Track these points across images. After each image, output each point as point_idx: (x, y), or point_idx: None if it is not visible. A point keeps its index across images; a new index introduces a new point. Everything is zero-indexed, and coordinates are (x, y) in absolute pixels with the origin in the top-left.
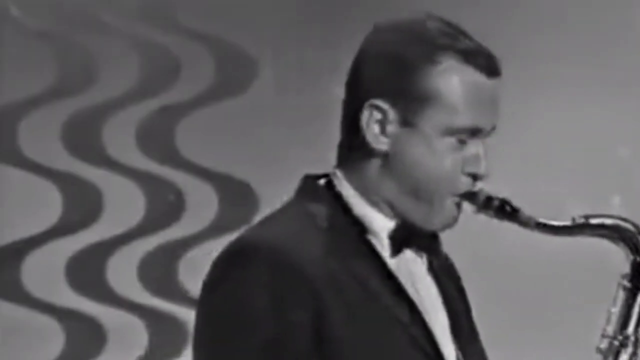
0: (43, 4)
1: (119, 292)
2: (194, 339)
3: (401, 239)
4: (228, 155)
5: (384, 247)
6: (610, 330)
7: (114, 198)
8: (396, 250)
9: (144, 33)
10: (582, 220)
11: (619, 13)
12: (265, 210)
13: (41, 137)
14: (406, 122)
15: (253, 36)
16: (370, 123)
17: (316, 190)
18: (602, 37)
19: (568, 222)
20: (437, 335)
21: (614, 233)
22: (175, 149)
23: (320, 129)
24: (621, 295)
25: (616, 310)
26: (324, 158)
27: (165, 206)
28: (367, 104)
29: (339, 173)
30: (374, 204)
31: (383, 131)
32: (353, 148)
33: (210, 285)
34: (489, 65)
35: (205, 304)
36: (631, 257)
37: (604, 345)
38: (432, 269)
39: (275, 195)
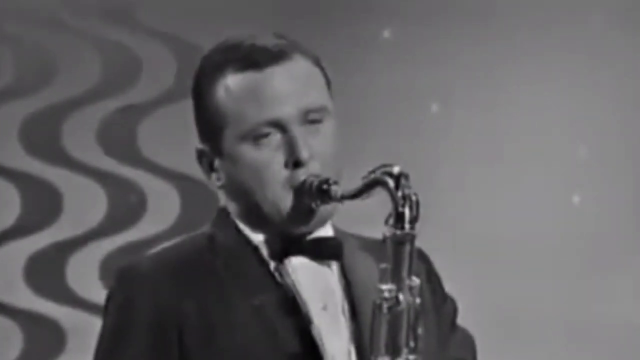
0: (1, 3)
1: (79, 293)
2: None
3: (278, 249)
4: (189, 156)
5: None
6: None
7: (74, 198)
8: (279, 259)
9: (105, 32)
10: (373, 176)
11: (578, 13)
12: None
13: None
14: (219, 152)
15: (213, 35)
16: (202, 167)
17: (219, 216)
18: (561, 37)
19: (361, 183)
20: (331, 344)
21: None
22: (137, 148)
23: None
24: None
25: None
26: None
27: (126, 206)
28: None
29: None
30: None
31: (211, 170)
32: None
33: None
34: (257, 58)
35: None
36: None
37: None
38: (345, 276)
39: None
